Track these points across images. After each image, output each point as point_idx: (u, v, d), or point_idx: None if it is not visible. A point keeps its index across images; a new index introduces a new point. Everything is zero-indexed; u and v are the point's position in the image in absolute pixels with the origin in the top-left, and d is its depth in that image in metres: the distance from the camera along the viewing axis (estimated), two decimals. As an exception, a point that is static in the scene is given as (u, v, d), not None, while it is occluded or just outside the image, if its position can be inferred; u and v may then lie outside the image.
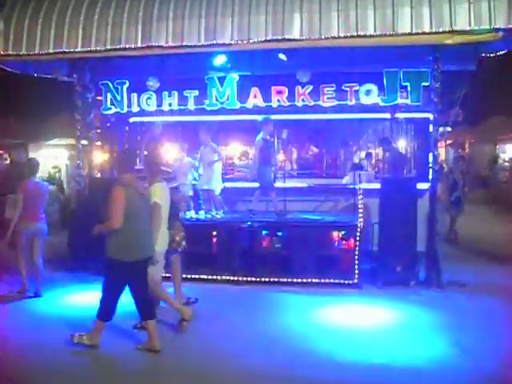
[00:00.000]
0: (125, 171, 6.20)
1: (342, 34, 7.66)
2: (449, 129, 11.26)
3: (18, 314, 7.63)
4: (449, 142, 24.24)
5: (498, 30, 7.57)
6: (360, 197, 8.86)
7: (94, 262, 9.22)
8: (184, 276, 8.61)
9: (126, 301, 6.24)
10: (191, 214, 9.55)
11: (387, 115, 9.86)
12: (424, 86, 9.02)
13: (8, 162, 18.29)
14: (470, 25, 7.36)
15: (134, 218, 5.90)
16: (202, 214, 9.64)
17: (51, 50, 8.52)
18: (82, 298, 8.17)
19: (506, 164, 22.27)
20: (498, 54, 9.28)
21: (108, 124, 10.80)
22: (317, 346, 6.28)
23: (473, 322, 7.01)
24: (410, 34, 7.54)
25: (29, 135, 20.13)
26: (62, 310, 7.65)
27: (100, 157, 11.01)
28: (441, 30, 7.45)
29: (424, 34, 7.55)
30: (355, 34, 7.64)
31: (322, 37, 7.70)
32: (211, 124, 10.06)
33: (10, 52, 8.72)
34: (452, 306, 7.70)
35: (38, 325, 7.07)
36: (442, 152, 10.99)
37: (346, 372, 5.56)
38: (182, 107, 10.05)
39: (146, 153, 8.06)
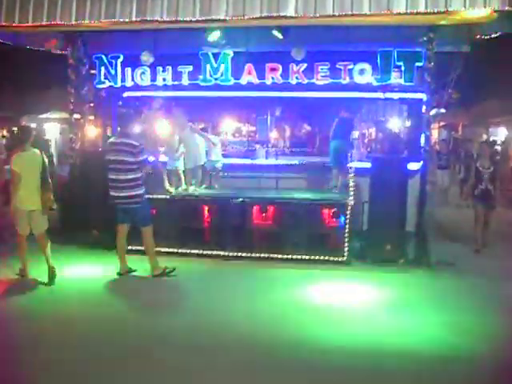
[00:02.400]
0: None
1: (336, 13, 7.65)
2: (443, 110, 11.33)
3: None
4: (442, 123, 24.32)
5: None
6: (351, 175, 8.93)
7: (82, 236, 9.38)
8: (174, 251, 8.80)
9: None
10: (182, 189, 9.61)
11: (381, 95, 9.89)
12: (418, 67, 9.12)
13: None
14: (464, 6, 7.37)
15: None
16: (192, 189, 9.70)
17: (44, 22, 8.47)
18: (69, 271, 8.25)
19: (497, 147, 22.36)
20: (493, 36, 9.32)
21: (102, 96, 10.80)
22: (303, 323, 6.36)
23: (460, 300, 7.14)
24: (405, 13, 7.54)
25: (20, 108, 20.07)
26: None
27: (93, 131, 10.99)
28: (435, 10, 7.46)
29: (419, 14, 7.55)
30: (350, 12, 7.63)
31: (317, 15, 7.69)
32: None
33: (3, 23, 8.66)
34: (439, 285, 7.83)
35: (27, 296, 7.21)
36: (435, 133, 11.02)
37: (332, 350, 5.63)
38: (176, 82, 10.07)
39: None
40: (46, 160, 7.76)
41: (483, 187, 9.91)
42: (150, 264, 8.05)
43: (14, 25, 8.61)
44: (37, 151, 7.68)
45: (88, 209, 9.34)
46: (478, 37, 9.46)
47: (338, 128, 9.94)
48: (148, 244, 8.07)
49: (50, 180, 7.75)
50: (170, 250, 8.99)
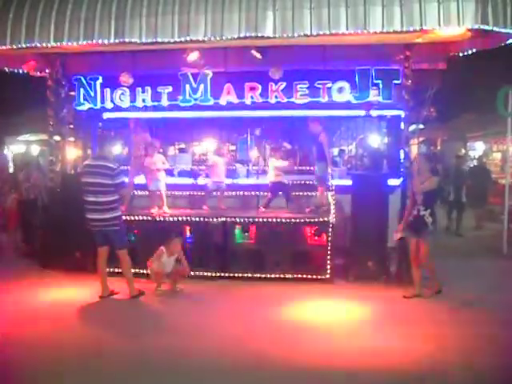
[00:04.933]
0: None
1: (314, 32, 7.74)
2: (421, 126, 11.48)
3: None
4: (421, 139, 24.51)
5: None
6: (332, 193, 8.98)
7: (65, 259, 9.29)
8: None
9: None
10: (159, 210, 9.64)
11: (360, 112, 10.00)
12: (395, 84, 9.21)
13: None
14: (439, 24, 7.49)
15: None
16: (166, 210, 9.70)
17: (23, 45, 8.46)
18: (52, 294, 8.26)
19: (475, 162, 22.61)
20: (467, 53, 9.47)
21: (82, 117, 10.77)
22: (286, 343, 6.32)
23: (442, 315, 7.18)
24: (382, 32, 7.66)
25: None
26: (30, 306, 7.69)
27: (73, 153, 10.95)
28: (411, 28, 7.59)
29: (395, 32, 7.67)
30: (327, 31, 7.72)
31: (295, 34, 7.78)
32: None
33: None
34: (421, 301, 7.86)
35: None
36: (414, 149, 11.09)
37: (317, 368, 5.62)
38: (155, 103, 10.04)
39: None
40: None
41: (415, 212, 7.91)
42: (127, 286, 8.00)
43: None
44: None
45: (70, 231, 9.26)
46: (454, 54, 9.62)
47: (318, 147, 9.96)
48: (125, 266, 8.01)
49: None
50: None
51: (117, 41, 8.19)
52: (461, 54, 9.60)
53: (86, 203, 7.81)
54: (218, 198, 10.32)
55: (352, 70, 9.36)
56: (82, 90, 10.03)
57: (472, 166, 16.88)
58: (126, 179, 8.95)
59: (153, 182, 9.69)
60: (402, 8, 7.57)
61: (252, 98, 9.72)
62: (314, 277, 8.80)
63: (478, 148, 24.67)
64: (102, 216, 7.75)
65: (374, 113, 10.07)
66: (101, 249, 8.02)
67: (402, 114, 9.39)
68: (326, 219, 8.84)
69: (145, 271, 8.63)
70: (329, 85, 9.47)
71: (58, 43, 8.37)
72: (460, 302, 7.76)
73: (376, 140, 12.24)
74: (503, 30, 7.62)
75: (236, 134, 13.08)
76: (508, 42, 8.36)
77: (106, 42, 8.22)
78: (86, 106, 10.13)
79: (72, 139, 10.86)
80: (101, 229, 7.85)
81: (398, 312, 7.41)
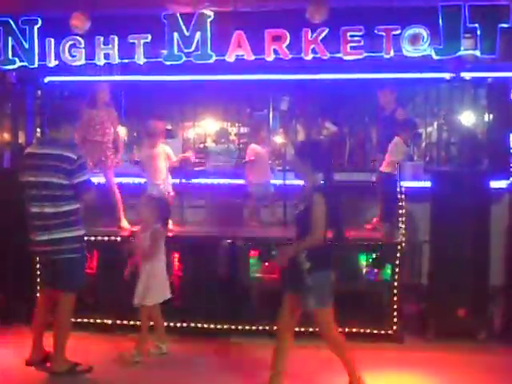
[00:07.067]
0: None
1: None
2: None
3: None
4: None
5: None
6: (401, 201, 8.81)
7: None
8: (122, 323, 8.92)
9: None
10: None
11: (444, 75, 10.02)
12: (503, 29, 9.10)
13: None
14: None
15: None
16: None
17: None
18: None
19: None
20: None
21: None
22: None
23: None
24: None
25: None
26: None
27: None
28: None
29: None
30: None
31: None
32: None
33: None
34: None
35: None
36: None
37: None
38: (125, 61, 10.13)
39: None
40: None
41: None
42: (53, 353, 7.57)
43: None
44: None
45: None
46: None
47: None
48: (62, 318, 7.61)
49: None
50: (114, 321, 8.98)
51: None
52: None
53: (29, 217, 7.55)
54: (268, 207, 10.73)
55: (433, 8, 9.30)
56: (10, 39, 10.07)
57: None
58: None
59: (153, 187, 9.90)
60: None
61: (276, 52, 9.72)
62: (373, 332, 8.72)
63: None
64: (47, 236, 7.43)
65: (468, 75, 10.01)
66: (44, 290, 7.89)
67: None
68: (391, 242, 8.72)
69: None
70: (397, 31, 9.45)
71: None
72: None
73: (470, 118, 12.12)
74: None
75: (250, 108, 13.03)
76: None
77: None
78: (17, 65, 10.19)
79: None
80: (48, 257, 7.63)
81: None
